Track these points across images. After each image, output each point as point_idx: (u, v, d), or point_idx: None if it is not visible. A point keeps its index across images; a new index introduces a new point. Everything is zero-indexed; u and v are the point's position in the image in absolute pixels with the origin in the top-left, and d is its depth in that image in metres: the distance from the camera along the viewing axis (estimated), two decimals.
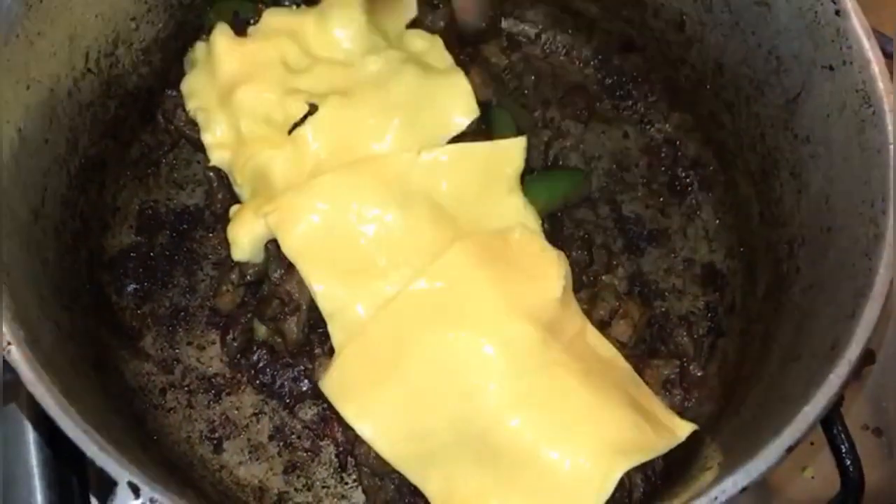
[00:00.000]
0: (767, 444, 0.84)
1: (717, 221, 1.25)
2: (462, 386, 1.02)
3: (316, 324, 1.11)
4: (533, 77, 1.30)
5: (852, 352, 0.87)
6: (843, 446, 1.13)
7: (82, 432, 0.83)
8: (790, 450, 0.84)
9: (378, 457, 1.04)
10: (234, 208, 1.17)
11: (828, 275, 1.00)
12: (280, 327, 1.11)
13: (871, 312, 0.88)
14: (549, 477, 0.99)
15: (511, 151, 1.14)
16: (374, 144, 1.13)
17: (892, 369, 1.28)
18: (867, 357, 1.23)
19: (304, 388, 1.14)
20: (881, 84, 0.97)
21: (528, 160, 1.16)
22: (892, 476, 1.24)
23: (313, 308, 1.09)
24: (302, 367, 1.14)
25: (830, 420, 1.12)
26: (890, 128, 0.95)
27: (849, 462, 1.13)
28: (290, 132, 1.14)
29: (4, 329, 0.86)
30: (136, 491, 0.81)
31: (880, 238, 0.92)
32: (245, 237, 1.12)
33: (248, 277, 1.14)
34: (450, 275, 1.07)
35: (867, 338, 0.87)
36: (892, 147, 0.95)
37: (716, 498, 0.82)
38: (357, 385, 1.05)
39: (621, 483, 0.98)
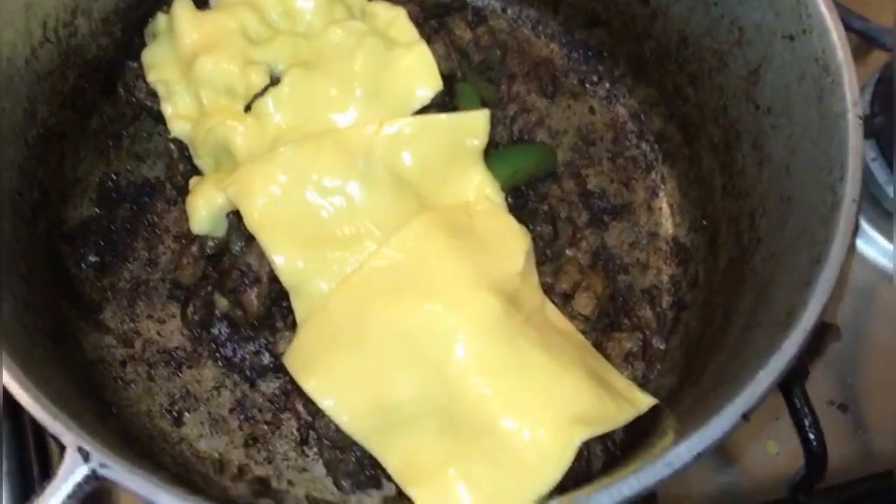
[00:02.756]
0: (723, 410, 0.83)
1: (681, 195, 1.25)
2: (424, 357, 1.02)
3: (278, 297, 1.11)
4: (498, 51, 1.30)
5: (808, 319, 0.87)
6: (805, 420, 1.15)
7: (32, 398, 0.82)
8: (745, 416, 0.83)
9: (339, 430, 1.03)
10: (193, 180, 1.16)
11: (787, 244, 1.00)
12: (240, 299, 1.10)
13: (826, 280, 0.88)
14: (509, 446, 0.99)
15: (475, 124, 1.14)
16: (337, 116, 1.13)
17: (857, 345, 1.28)
18: (832, 333, 1.25)
19: (266, 362, 1.13)
20: (840, 53, 0.97)
21: (493, 134, 1.15)
22: (858, 451, 1.24)
23: (274, 280, 1.08)
24: (263, 341, 1.14)
25: (793, 393, 1.14)
26: (848, 96, 0.95)
27: (812, 436, 1.14)
28: (251, 103, 1.14)
29: None
30: (86, 456, 0.80)
31: (837, 206, 0.92)
32: (204, 209, 1.11)
33: (209, 250, 1.13)
34: (412, 246, 1.07)
35: (823, 305, 0.87)
36: (850, 115, 0.94)
37: (670, 463, 0.82)
38: (318, 358, 1.05)
39: (581, 453, 0.97)
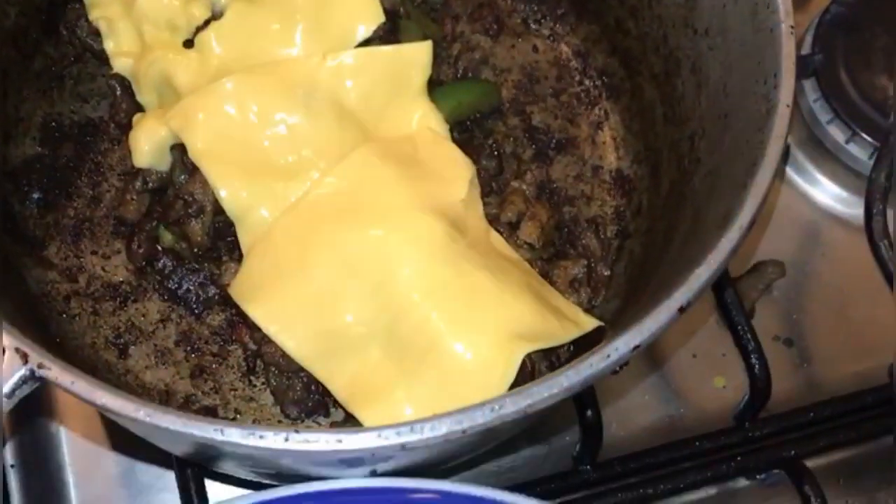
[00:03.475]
0: (660, 304, 0.84)
1: (625, 129, 1.26)
2: (369, 281, 1.02)
3: (221, 230, 1.10)
4: None
5: (744, 217, 0.88)
6: (751, 351, 1.16)
7: None
8: (682, 310, 0.84)
9: (286, 356, 1.03)
10: (136, 116, 1.16)
11: (724, 159, 1.01)
12: (185, 230, 1.10)
13: (761, 179, 0.89)
14: (454, 365, 0.99)
15: (417, 56, 1.14)
16: (280, 50, 1.13)
17: (801, 282, 1.31)
18: (777, 269, 1.27)
19: (211, 294, 1.13)
20: None
21: (437, 73, 1.16)
22: (802, 384, 1.26)
23: (219, 212, 1.08)
24: (208, 273, 1.13)
25: (741, 331, 1.16)
26: (781, 6, 0.97)
27: (756, 364, 1.16)
28: (193, 37, 1.14)
29: None
30: (24, 357, 0.79)
31: (772, 111, 0.93)
32: (146, 143, 1.11)
33: (151, 184, 1.13)
34: (355, 174, 1.07)
35: (759, 203, 0.88)
36: (783, 25, 0.96)
37: (608, 356, 0.82)
38: (264, 286, 1.05)
39: (524, 367, 0.98)
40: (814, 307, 1.30)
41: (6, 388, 0.78)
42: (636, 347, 0.83)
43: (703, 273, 0.86)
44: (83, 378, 0.80)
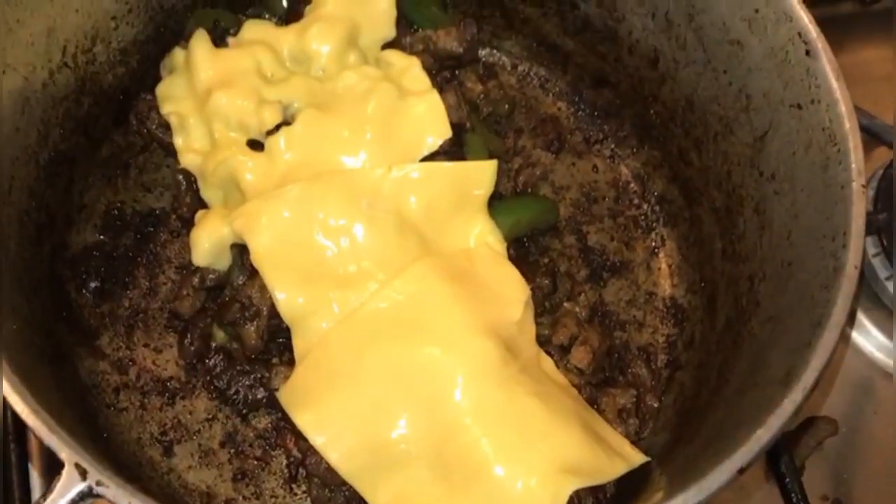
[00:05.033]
0: (719, 464, 0.84)
1: (681, 257, 1.26)
2: (419, 399, 1.02)
3: (275, 333, 1.11)
4: (507, 105, 1.31)
5: (807, 378, 0.88)
6: None
7: (33, 412, 0.82)
8: (741, 471, 0.84)
9: (330, 468, 1.03)
10: (199, 213, 1.17)
11: (786, 307, 1.01)
12: (239, 332, 1.10)
13: (827, 341, 0.89)
14: (500, 493, 0.99)
15: (482, 173, 1.15)
16: (346, 158, 1.14)
17: (853, 440, 1.28)
18: (829, 427, 1.24)
19: (259, 397, 1.13)
20: (847, 123, 0.99)
21: (497, 185, 1.16)
22: None
23: (274, 316, 1.09)
24: (258, 376, 1.13)
25: (790, 488, 1.14)
26: (854, 165, 0.97)
27: None
28: (259, 140, 1.15)
29: None
30: (83, 473, 0.80)
31: (840, 270, 0.93)
32: (207, 241, 1.12)
33: (209, 283, 1.14)
34: (413, 289, 1.08)
35: (823, 366, 0.88)
36: (855, 184, 0.96)
37: None
38: (314, 395, 1.05)
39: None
40: (864, 467, 1.27)
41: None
42: None
43: (763, 435, 0.86)
44: (141, 499, 0.80)
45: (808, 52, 1.03)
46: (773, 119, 1.08)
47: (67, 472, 0.80)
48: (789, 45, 1.05)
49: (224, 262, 1.13)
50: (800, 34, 1.04)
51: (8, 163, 1.04)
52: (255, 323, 1.10)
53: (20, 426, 1.11)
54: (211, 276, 1.14)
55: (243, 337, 1.10)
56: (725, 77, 1.14)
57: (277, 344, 1.12)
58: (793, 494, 1.14)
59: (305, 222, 1.10)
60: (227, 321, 1.11)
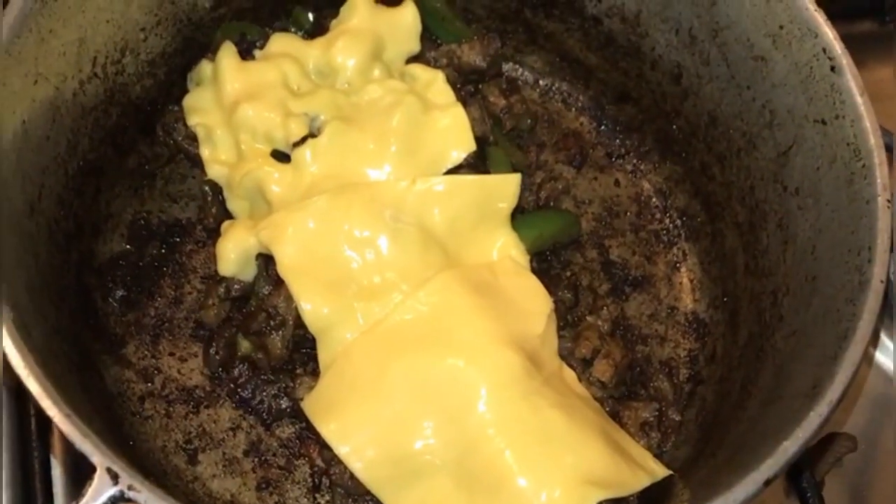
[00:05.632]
0: (746, 475, 0.84)
1: (703, 272, 1.26)
2: (443, 410, 1.03)
3: (300, 343, 1.11)
4: (529, 120, 1.32)
5: (834, 391, 0.88)
6: None
7: (65, 416, 0.83)
8: (768, 483, 0.84)
9: (354, 478, 1.04)
10: (225, 224, 1.18)
11: (811, 321, 1.01)
12: (264, 342, 1.11)
13: (853, 354, 0.90)
14: None
15: (506, 187, 1.16)
16: (371, 171, 1.15)
17: (873, 456, 1.27)
18: (849, 443, 1.24)
19: (284, 406, 1.14)
20: (872, 137, 1.00)
21: (519, 199, 1.17)
22: None
23: (299, 326, 1.09)
24: (283, 385, 1.14)
25: (810, 498, 1.14)
26: (879, 180, 0.97)
27: None
28: (284, 151, 1.16)
29: None
30: (115, 478, 0.80)
31: (865, 285, 0.94)
32: (233, 251, 1.13)
33: (234, 293, 1.15)
34: (437, 301, 1.09)
35: (849, 379, 0.89)
36: (880, 199, 0.97)
37: None
38: (338, 405, 1.06)
39: None
40: (883, 483, 1.27)
41: None
42: None
43: (790, 447, 0.86)
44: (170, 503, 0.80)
45: (832, 69, 1.04)
46: (796, 134, 1.09)
47: (99, 477, 0.80)
48: (814, 62, 1.05)
49: (249, 272, 1.14)
50: (824, 50, 1.04)
51: (38, 171, 1.05)
52: (280, 332, 1.10)
53: (43, 433, 1.13)
54: (236, 286, 1.14)
55: (269, 346, 1.11)
56: (749, 93, 1.15)
57: (301, 354, 1.13)
58: None
59: (331, 233, 1.10)
60: (253, 331, 1.11)
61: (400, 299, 1.09)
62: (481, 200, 1.15)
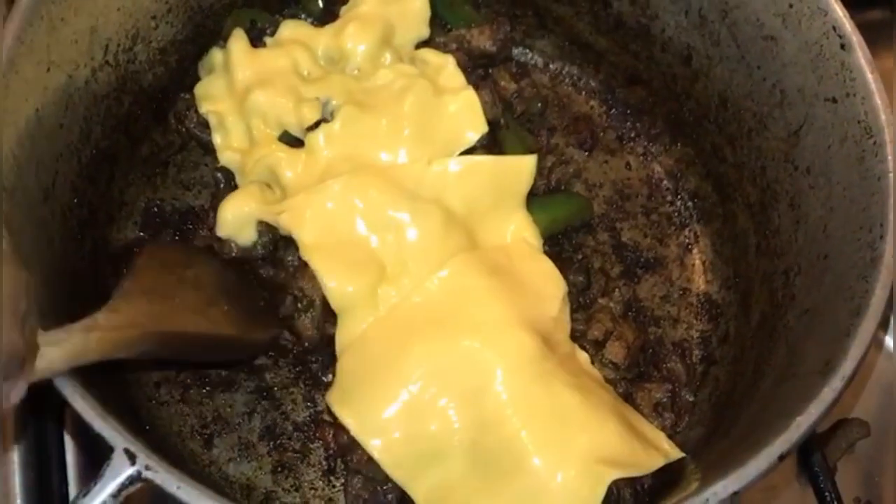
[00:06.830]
0: (760, 450, 0.85)
1: (714, 253, 1.26)
2: (459, 392, 1.03)
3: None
4: (540, 104, 1.32)
5: (847, 367, 0.88)
6: None
7: (81, 397, 0.84)
8: (782, 458, 0.85)
9: (371, 460, 1.04)
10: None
11: (823, 299, 1.01)
12: (294, 325, 1.12)
13: (866, 330, 0.90)
14: (538, 484, 1.00)
15: (521, 168, 1.17)
16: (385, 154, 1.16)
17: (885, 442, 1.27)
18: (862, 428, 1.24)
19: (300, 391, 1.15)
20: (883, 115, 0.99)
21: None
22: None
23: (326, 306, 1.10)
24: (298, 369, 1.15)
25: (824, 487, 1.15)
26: (890, 157, 0.97)
27: None
28: (296, 135, 1.17)
29: None
30: (132, 458, 0.81)
31: (877, 261, 0.94)
32: (230, 213, 1.14)
33: (227, 254, 1.15)
34: (452, 284, 1.09)
35: (862, 354, 0.89)
36: (892, 175, 0.97)
37: (707, 500, 0.83)
38: (356, 389, 1.06)
39: (610, 494, 0.98)
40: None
41: (112, 488, 0.80)
42: (735, 493, 0.83)
43: (803, 422, 0.86)
44: (188, 483, 0.81)
45: (842, 46, 1.03)
46: (807, 113, 1.09)
47: (117, 456, 0.81)
48: (824, 40, 1.05)
49: (246, 237, 1.15)
50: (834, 28, 1.04)
51: (52, 158, 1.06)
52: (309, 314, 1.11)
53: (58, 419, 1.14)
54: (232, 247, 1.15)
55: (299, 329, 1.12)
56: (759, 73, 1.15)
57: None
58: (826, 493, 1.15)
59: (350, 214, 1.11)
60: (283, 315, 1.12)
61: (417, 281, 1.09)
62: (497, 181, 1.16)
